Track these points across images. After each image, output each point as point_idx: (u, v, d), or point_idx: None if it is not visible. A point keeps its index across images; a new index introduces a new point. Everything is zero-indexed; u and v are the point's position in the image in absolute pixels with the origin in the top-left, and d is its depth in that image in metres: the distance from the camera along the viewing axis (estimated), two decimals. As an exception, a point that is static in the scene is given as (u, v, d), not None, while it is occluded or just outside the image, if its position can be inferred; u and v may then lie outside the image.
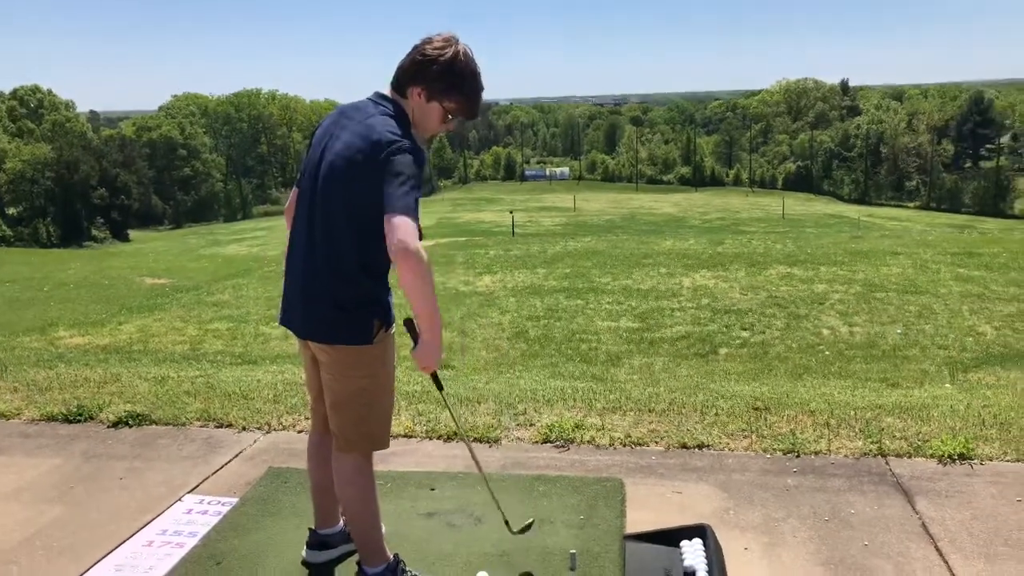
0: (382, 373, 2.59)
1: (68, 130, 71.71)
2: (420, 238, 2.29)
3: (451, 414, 2.74)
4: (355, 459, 2.64)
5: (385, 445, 2.70)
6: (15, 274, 23.12)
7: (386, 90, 2.50)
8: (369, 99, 2.51)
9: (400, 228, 2.23)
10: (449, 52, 2.39)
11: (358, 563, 2.70)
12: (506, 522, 2.80)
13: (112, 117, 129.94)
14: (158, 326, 10.65)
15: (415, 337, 2.45)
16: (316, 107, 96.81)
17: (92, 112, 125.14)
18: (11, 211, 61.69)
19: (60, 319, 11.57)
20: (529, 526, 2.90)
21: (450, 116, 2.46)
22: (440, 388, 2.73)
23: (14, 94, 77.58)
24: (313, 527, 2.92)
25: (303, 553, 2.91)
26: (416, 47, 2.43)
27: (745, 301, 11.37)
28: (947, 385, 6.53)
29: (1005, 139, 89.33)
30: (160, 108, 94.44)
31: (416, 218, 2.29)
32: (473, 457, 2.84)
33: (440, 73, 2.39)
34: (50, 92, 79.43)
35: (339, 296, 2.46)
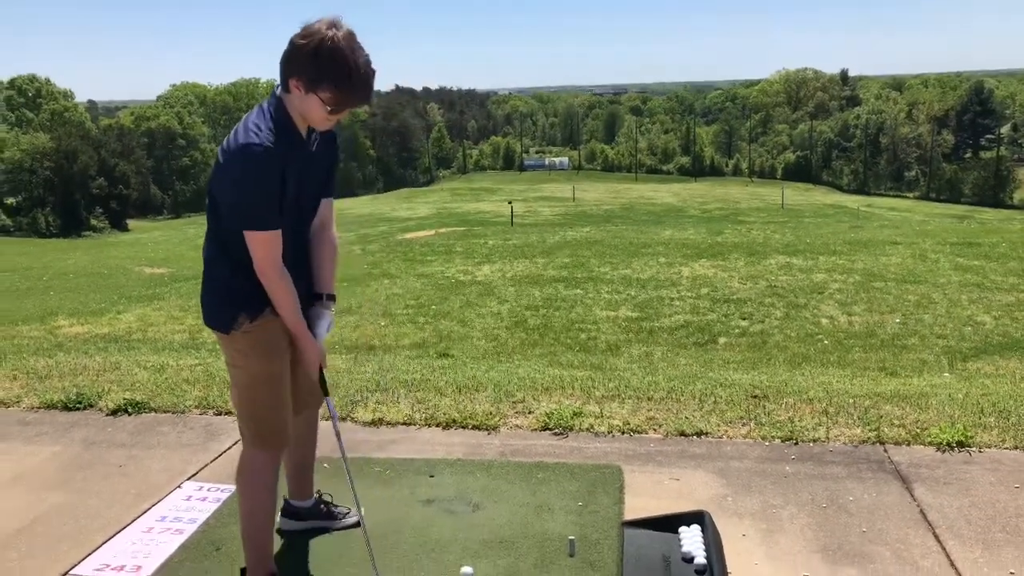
0: (248, 364, 2.53)
1: (67, 120, 71.47)
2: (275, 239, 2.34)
3: (334, 424, 2.69)
4: (247, 453, 2.64)
5: (265, 445, 2.60)
6: (14, 264, 23.12)
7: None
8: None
9: (252, 245, 2.33)
10: (316, 39, 2.20)
11: (242, 570, 2.71)
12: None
13: (110, 107, 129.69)
14: (157, 315, 10.64)
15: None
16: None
17: (91, 102, 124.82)
18: (10, 201, 61.54)
19: (59, 308, 11.58)
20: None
21: (329, 108, 2.29)
22: (325, 393, 2.68)
23: (12, 83, 77.26)
24: (287, 497, 3.03)
25: (277, 520, 2.93)
26: (292, 36, 2.27)
27: (744, 291, 11.37)
28: (946, 374, 6.54)
29: (1005, 129, 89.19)
30: (158, 98, 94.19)
31: (264, 224, 2.30)
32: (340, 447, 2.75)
33: (308, 61, 2.23)
34: (48, 81, 79.11)
35: (207, 283, 2.55)
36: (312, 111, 2.33)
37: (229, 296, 2.48)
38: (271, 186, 2.29)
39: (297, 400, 2.71)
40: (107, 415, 4.45)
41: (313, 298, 2.62)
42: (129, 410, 4.48)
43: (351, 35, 2.26)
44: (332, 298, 2.66)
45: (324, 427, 4.14)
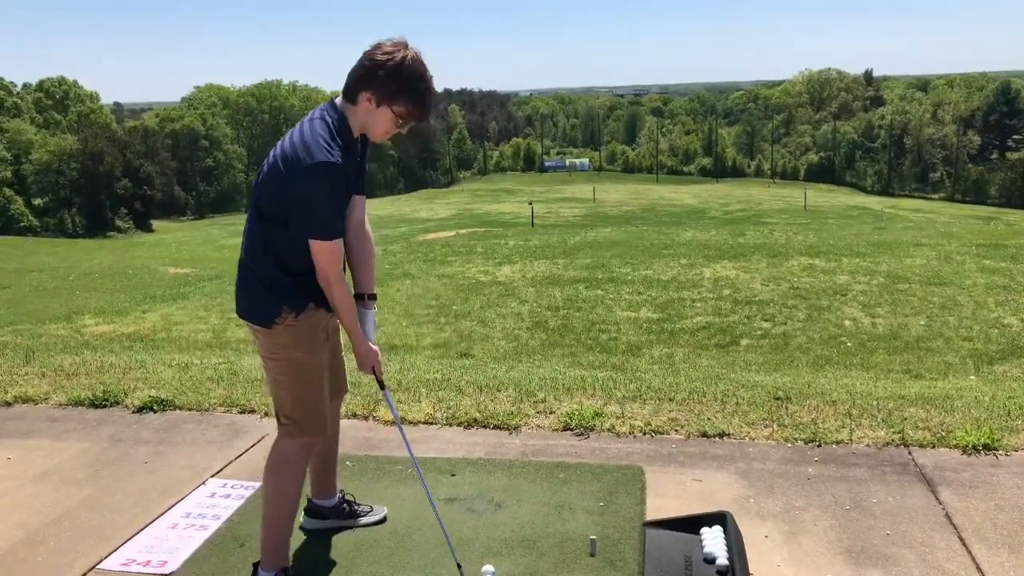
0: (290, 356, 2.60)
1: (93, 121, 72.45)
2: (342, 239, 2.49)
3: (391, 407, 2.83)
4: (282, 446, 2.69)
5: (304, 432, 2.67)
6: (42, 264, 23.47)
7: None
8: (319, 107, 2.57)
9: (317, 253, 2.44)
10: (397, 56, 2.41)
11: (255, 564, 2.73)
12: (458, 566, 2.72)
13: (135, 108, 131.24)
14: (181, 315, 10.76)
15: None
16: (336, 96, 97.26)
17: (116, 104, 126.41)
18: (37, 202, 62.49)
19: (85, 307, 11.74)
20: None
21: (400, 120, 2.50)
22: (382, 387, 2.77)
23: (40, 86, 78.47)
24: (310, 496, 3.06)
25: (300, 518, 3.01)
26: (365, 53, 2.47)
27: (767, 292, 11.29)
28: (971, 377, 6.46)
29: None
30: (182, 100, 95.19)
31: (330, 234, 2.44)
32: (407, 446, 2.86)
33: (388, 77, 2.41)
34: (75, 84, 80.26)
35: (247, 279, 2.60)
36: (380, 123, 2.51)
37: (273, 292, 2.55)
38: (341, 199, 2.49)
39: (332, 392, 2.81)
40: (133, 412, 4.50)
41: (356, 299, 2.67)
42: (155, 408, 4.53)
43: (422, 57, 2.47)
44: (374, 297, 2.72)
45: (343, 426, 4.18)
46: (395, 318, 10.34)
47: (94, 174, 59.80)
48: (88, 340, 8.45)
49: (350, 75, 2.49)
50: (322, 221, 2.42)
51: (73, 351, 6.28)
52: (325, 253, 2.44)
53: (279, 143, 2.52)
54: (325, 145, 2.40)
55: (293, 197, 2.42)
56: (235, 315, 2.71)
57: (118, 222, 60.85)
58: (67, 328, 9.64)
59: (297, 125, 2.52)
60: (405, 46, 2.45)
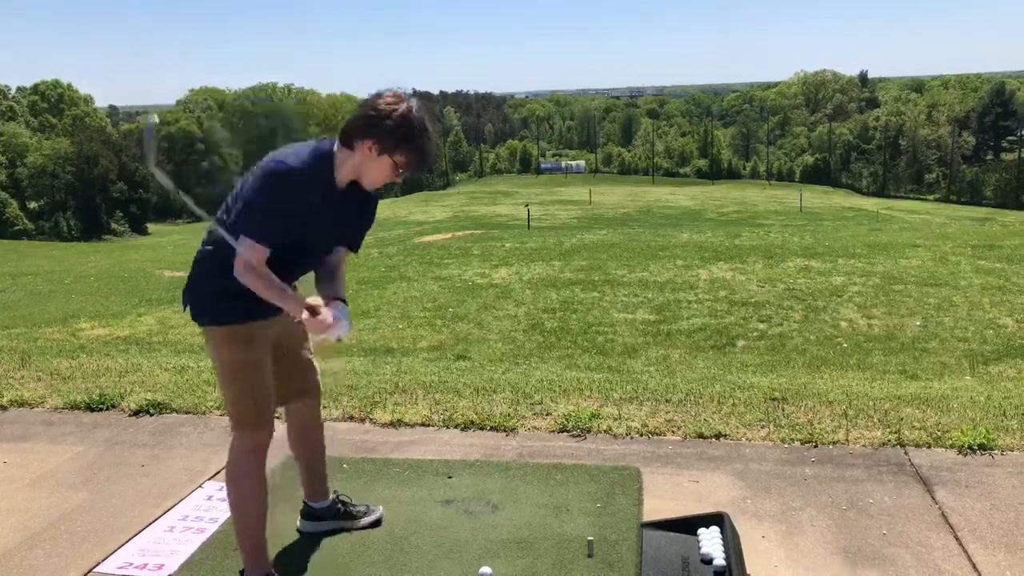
0: (222, 359, 2.62)
1: (87, 125, 72.37)
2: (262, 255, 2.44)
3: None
4: (232, 450, 2.69)
5: (244, 428, 2.64)
6: (37, 267, 23.41)
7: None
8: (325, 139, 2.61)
9: (241, 247, 2.40)
10: (402, 107, 2.44)
11: (240, 572, 2.74)
12: None
13: (131, 111, 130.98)
14: (177, 318, 10.74)
15: None
16: (333, 100, 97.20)
17: (111, 107, 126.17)
18: (32, 205, 62.38)
19: (81, 311, 11.71)
20: None
21: (400, 170, 2.51)
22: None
23: (35, 89, 78.36)
24: (305, 499, 3.07)
25: (297, 522, 3.05)
26: (367, 102, 2.49)
27: (763, 293, 11.31)
28: (967, 377, 6.48)
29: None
30: (177, 102, 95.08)
31: (261, 236, 2.41)
32: None
33: (393, 128, 2.43)
34: (70, 87, 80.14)
35: (196, 279, 2.64)
36: (378, 172, 2.52)
37: (211, 292, 2.58)
38: (280, 206, 2.42)
39: (287, 392, 2.81)
40: (129, 416, 4.50)
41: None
42: (151, 411, 4.53)
43: (424, 108, 2.52)
44: (344, 300, 2.69)
45: (340, 428, 4.18)
46: (391, 320, 10.33)
47: (89, 177, 59.73)
48: (84, 343, 8.43)
49: (351, 122, 2.50)
50: (256, 221, 2.41)
51: (69, 354, 6.27)
52: (248, 250, 2.40)
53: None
54: (295, 152, 2.46)
55: (242, 190, 2.47)
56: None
57: (113, 225, 60.78)
58: (63, 331, 9.62)
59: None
60: (408, 97, 2.48)
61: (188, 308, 2.65)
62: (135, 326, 10.09)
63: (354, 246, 2.76)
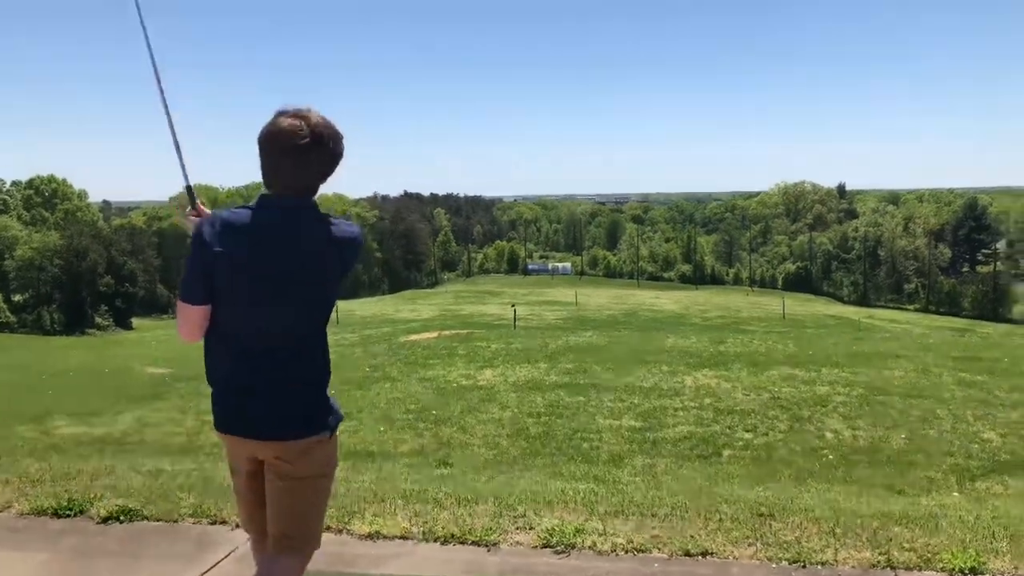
0: (336, 465, 2.69)
1: (79, 219, 72.97)
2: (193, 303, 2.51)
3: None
4: (296, 567, 2.64)
5: (318, 543, 2.68)
6: (16, 360, 23.07)
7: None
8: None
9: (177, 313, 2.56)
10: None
11: None
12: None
13: (124, 207, 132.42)
14: (156, 416, 10.55)
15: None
16: (324, 200, 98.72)
17: (105, 202, 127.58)
18: (17, 298, 62.02)
19: (57, 408, 11.48)
20: None
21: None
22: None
23: (30, 183, 79.37)
24: None
25: None
26: (337, 146, 2.57)
27: (748, 402, 11.27)
28: (955, 493, 6.41)
29: (1001, 245, 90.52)
30: (171, 199, 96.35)
31: (186, 295, 2.51)
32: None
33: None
34: (64, 182, 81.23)
35: (293, 390, 2.61)
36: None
37: (325, 394, 2.65)
38: (201, 264, 2.47)
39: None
40: (98, 523, 4.35)
41: None
42: (121, 518, 4.38)
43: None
44: None
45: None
46: (373, 423, 10.19)
47: (77, 271, 59.71)
48: (57, 443, 8.24)
49: (326, 171, 2.55)
50: (183, 280, 2.49)
51: (40, 455, 6.12)
52: (178, 314, 2.50)
53: None
54: (220, 212, 2.51)
55: None
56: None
57: (98, 319, 60.34)
58: (36, 430, 9.41)
59: None
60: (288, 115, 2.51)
61: (296, 427, 2.53)
62: (111, 425, 9.89)
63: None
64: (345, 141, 2.54)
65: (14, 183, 79.56)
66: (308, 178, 2.50)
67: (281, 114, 2.46)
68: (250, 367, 2.51)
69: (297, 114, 2.45)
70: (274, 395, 2.51)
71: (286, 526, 2.57)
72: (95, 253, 61.38)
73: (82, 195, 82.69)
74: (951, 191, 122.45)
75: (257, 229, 2.47)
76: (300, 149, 2.43)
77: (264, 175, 2.51)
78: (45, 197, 78.41)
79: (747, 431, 9.68)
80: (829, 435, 9.48)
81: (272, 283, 2.47)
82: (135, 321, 64.71)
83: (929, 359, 14.94)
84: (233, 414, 2.51)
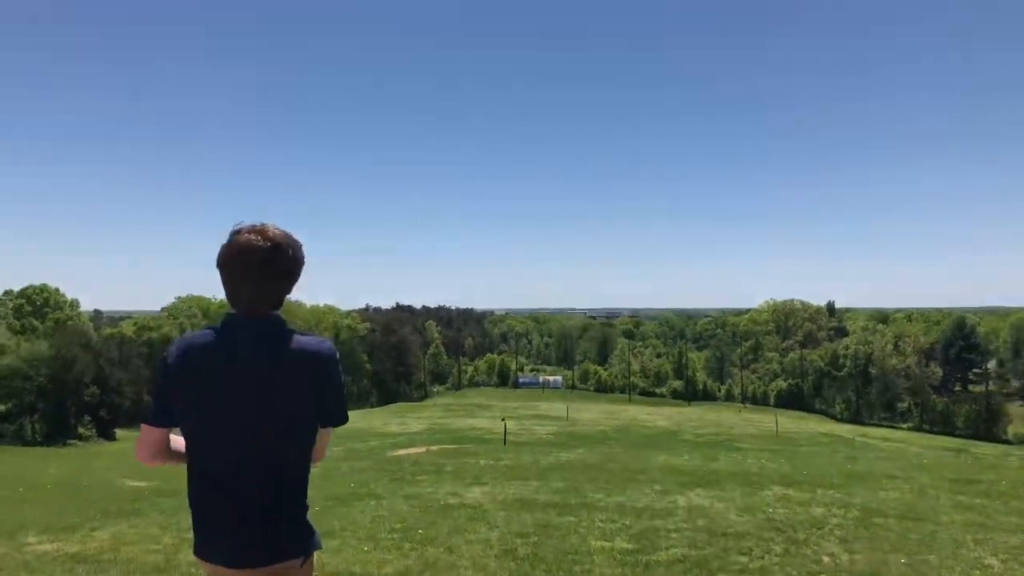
0: None
1: (69, 328, 72.81)
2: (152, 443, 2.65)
3: None
4: None
5: None
6: (-8, 472, 22.54)
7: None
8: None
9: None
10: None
11: None
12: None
13: (115, 316, 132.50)
14: (133, 533, 10.23)
15: None
16: (316, 312, 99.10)
17: (96, 311, 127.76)
18: (0, 408, 61.05)
19: (32, 523, 11.14)
20: None
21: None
22: None
23: (22, 292, 79.66)
24: None
25: None
26: (293, 256, 2.64)
27: (741, 523, 11.03)
28: (957, 623, 6.20)
29: (991, 364, 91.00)
30: (163, 309, 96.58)
31: (149, 417, 2.62)
32: None
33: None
34: (56, 291, 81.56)
35: (270, 508, 2.62)
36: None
37: (303, 515, 2.65)
38: (165, 390, 2.53)
39: None
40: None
41: None
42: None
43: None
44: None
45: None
46: (356, 542, 9.88)
47: (63, 380, 59.03)
48: (28, 560, 7.93)
49: (289, 281, 2.60)
50: (152, 402, 2.59)
51: (10, 574, 5.89)
52: (140, 435, 2.59)
53: None
54: (186, 335, 2.58)
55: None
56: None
57: (80, 430, 59.20)
58: (7, 546, 9.08)
59: None
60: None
61: (274, 548, 2.47)
62: (86, 542, 9.57)
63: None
64: (304, 249, 2.60)
65: (6, 292, 79.82)
66: (272, 291, 2.52)
67: (237, 232, 2.50)
68: (215, 493, 2.47)
69: (252, 229, 2.50)
70: (241, 522, 2.45)
71: None
72: (82, 362, 60.90)
73: (73, 304, 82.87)
74: (939, 310, 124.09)
75: (216, 350, 2.47)
76: (260, 262, 2.45)
77: (227, 294, 2.53)
78: (36, 306, 78.54)
79: (742, 554, 9.43)
80: (826, 559, 9.24)
81: (230, 406, 2.44)
82: (119, 432, 63.51)
83: (925, 480, 14.77)
84: (206, 540, 2.47)
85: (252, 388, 2.43)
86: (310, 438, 2.53)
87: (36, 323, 74.86)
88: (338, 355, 2.65)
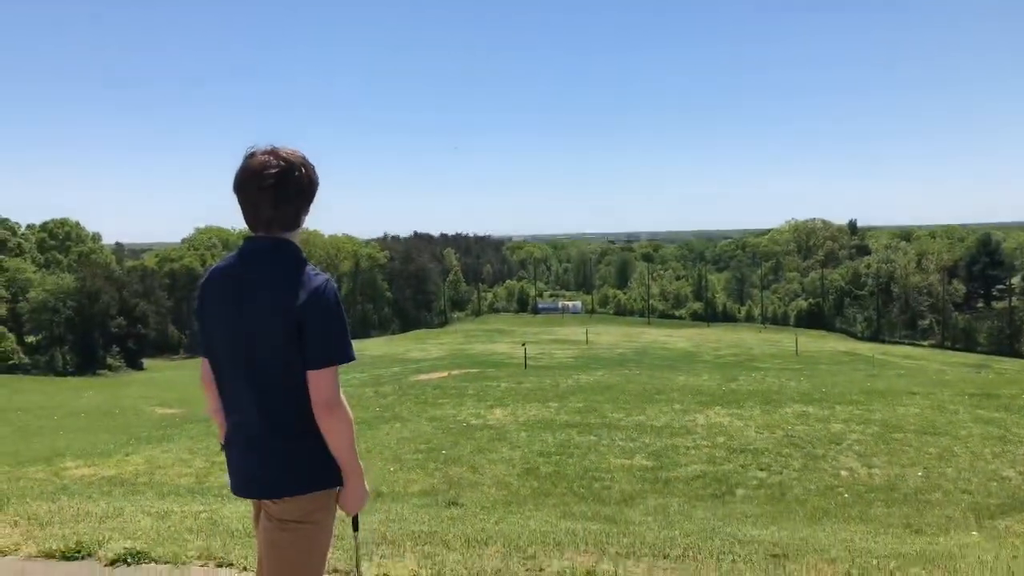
0: (328, 530, 2.57)
1: (92, 261, 73.64)
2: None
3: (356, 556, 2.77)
4: None
5: None
6: (28, 402, 23.16)
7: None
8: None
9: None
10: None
11: None
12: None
13: (137, 249, 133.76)
14: (166, 457, 10.53)
15: None
16: (335, 241, 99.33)
17: (118, 244, 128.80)
18: (30, 339, 62.38)
19: (68, 449, 11.50)
20: None
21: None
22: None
23: (45, 226, 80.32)
24: None
25: None
26: (302, 176, 2.51)
27: (761, 440, 11.15)
28: (974, 533, 6.29)
29: (1016, 280, 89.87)
30: (183, 240, 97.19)
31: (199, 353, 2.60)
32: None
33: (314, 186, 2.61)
34: (77, 224, 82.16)
35: (277, 447, 2.56)
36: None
37: (319, 449, 2.51)
38: (201, 313, 2.53)
39: None
40: (106, 565, 4.32)
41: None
42: (128, 560, 4.35)
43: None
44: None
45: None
46: (383, 463, 10.12)
47: (89, 313, 60.06)
48: (67, 484, 8.21)
49: (304, 202, 2.52)
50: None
51: (50, 497, 6.10)
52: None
53: None
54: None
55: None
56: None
57: (109, 360, 60.51)
58: (46, 471, 9.39)
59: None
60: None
61: (277, 484, 2.43)
62: (121, 466, 9.87)
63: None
64: (318, 171, 2.53)
65: (29, 226, 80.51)
66: (287, 212, 2.47)
67: (251, 155, 2.45)
68: (232, 422, 2.48)
69: (266, 151, 2.45)
70: (250, 452, 2.44)
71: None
72: (108, 295, 61.80)
73: (96, 237, 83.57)
74: (963, 226, 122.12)
75: (223, 271, 2.48)
76: (275, 183, 2.41)
77: (245, 219, 2.49)
78: (59, 240, 79.27)
79: (760, 470, 9.56)
80: (844, 473, 9.35)
81: (228, 333, 2.44)
82: (146, 362, 64.89)
83: (945, 395, 14.78)
84: (231, 466, 2.49)
85: (234, 316, 2.42)
86: (288, 370, 2.39)
87: (60, 257, 75.71)
88: (335, 297, 2.44)
